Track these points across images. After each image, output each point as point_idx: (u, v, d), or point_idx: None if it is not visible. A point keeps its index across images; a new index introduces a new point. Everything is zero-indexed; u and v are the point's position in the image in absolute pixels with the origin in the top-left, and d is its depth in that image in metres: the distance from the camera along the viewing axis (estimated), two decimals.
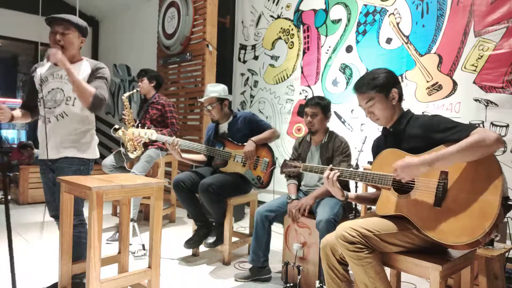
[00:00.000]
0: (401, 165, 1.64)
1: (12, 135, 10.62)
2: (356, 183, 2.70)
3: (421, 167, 1.60)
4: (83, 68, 2.29)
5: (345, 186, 2.54)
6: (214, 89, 3.05)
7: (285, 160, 2.23)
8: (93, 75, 2.26)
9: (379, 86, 1.82)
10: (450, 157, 1.56)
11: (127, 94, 3.65)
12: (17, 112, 2.35)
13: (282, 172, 2.21)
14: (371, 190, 2.14)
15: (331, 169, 1.93)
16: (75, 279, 2.18)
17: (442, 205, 1.62)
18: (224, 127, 3.13)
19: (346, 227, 1.70)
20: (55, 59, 2.12)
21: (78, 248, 2.16)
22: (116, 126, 3.49)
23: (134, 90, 3.85)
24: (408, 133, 1.80)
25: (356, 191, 2.68)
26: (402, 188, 1.76)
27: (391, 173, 1.72)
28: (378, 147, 1.99)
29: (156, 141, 3.65)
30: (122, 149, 3.57)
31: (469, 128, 1.60)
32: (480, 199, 1.54)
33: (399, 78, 1.94)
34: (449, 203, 1.61)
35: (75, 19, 2.26)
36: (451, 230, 1.57)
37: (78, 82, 2.14)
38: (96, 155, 2.37)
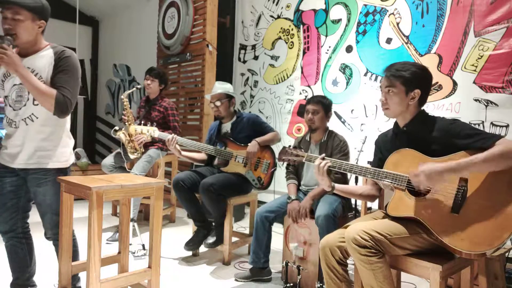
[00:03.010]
0: (425, 172, 1.59)
1: None
2: (357, 177, 2.71)
3: (446, 175, 1.58)
4: (45, 61, 1.92)
5: (344, 181, 2.55)
6: (223, 86, 3.08)
7: (284, 147, 2.14)
8: (56, 69, 1.90)
9: (404, 78, 1.76)
10: (474, 166, 1.55)
11: (126, 93, 3.63)
12: None
13: (280, 160, 2.14)
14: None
15: (323, 159, 1.92)
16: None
17: (460, 212, 1.60)
18: (227, 127, 3.14)
19: (358, 230, 1.65)
20: (2, 62, 1.75)
21: None
22: (116, 128, 3.49)
23: (134, 88, 3.84)
24: (424, 135, 1.76)
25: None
26: (417, 190, 1.72)
27: (406, 174, 1.70)
28: (385, 144, 1.96)
29: (156, 141, 3.66)
30: (121, 150, 3.57)
31: (493, 137, 1.58)
32: (499, 209, 1.53)
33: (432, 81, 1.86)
34: (468, 210, 1.59)
35: None
36: (468, 238, 1.55)
37: (32, 87, 1.80)
38: (72, 159, 2.09)
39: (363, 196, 2.03)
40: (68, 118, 2.06)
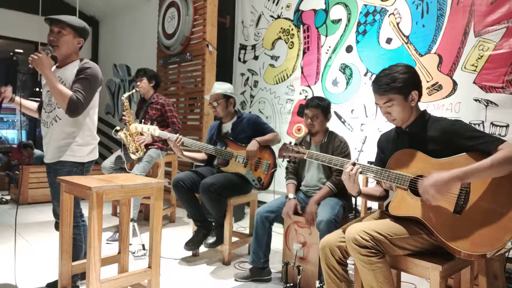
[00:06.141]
0: (433, 186, 1.57)
1: (12, 135, 10.62)
2: None
3: (452, 184, 1.58)
4: (71, 70, 2.26)
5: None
6: (221, 87, 3.09)
7: (285, 144, 2.11)
8: (77, 76, 2.23)
9: (399, 88, 1.76)
10: (480, 173, 1.54)
11: (126, 94, 3.66)
12: (30, 103, 2.44)
13: (281, 156, 2.12)
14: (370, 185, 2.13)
15: (354, 164, 1.81)
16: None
17: (462, 213, 1.60)
18: (227, 127, 3.14)
19: (358, 230, 1.65)
20: (33, 63, 2.08)
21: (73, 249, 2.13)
22: (118, 128, 3.49)
23: (134, 90, 3.85)
24: (426, 136, 1.76)
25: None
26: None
27: (409, 174, 1.70)
28: (387, 144, 1.95)
29: (156, 141, 3.66)
30: (122, 154, 3.57)
31: (496, 141, 1.58)
32: (501, 211, 1.54)
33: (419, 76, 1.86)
34: (470, 212, 1.59)
35: (72, 20, 2.26)
36: (469, 239, 1.55)
37: (52, 86, 2.12)
38: (92, 157, 2.36)
39: (380, 198, 2.00)
40: (85, 121, 2.32)
